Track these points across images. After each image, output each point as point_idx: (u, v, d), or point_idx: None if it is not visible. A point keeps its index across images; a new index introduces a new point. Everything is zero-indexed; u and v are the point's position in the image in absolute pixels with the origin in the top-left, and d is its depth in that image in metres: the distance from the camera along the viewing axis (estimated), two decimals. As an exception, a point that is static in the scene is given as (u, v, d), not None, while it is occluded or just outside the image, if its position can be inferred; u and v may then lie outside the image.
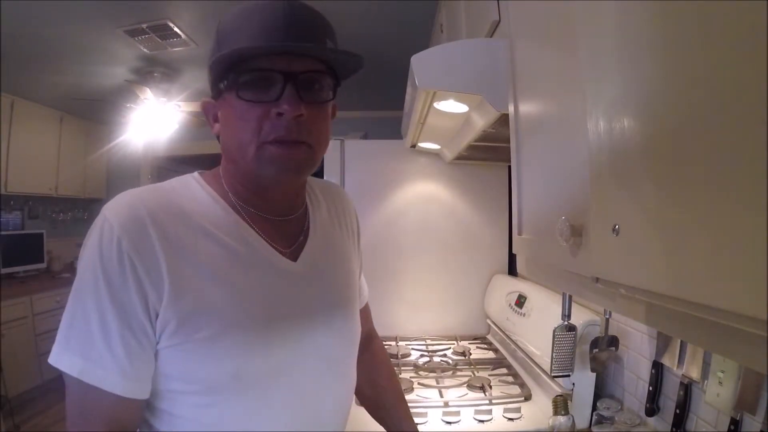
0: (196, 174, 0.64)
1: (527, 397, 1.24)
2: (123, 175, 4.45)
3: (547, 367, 1.14)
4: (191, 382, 0.53)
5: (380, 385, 0.85)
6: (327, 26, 0.60)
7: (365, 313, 0.87)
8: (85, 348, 0.50)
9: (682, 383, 0.86)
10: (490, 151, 1.49)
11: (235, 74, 0.54)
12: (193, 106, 3.15)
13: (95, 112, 3.86)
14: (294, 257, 0.62)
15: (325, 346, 0.62)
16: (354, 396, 0.72)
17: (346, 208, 0.79)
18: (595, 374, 1.13)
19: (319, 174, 2.13)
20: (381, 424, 0.85)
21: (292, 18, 0.54)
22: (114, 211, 0.53)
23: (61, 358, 0.51)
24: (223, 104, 0.59)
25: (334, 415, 0.65)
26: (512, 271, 1.93)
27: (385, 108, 3.93)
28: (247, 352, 0.54)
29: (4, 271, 3.34)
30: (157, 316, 0.52)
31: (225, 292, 0.54)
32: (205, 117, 0.64)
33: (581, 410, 1.13)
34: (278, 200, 0.63)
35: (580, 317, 1.14)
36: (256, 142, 0.55)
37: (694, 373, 0.84)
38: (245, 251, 0.58)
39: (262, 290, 0.58)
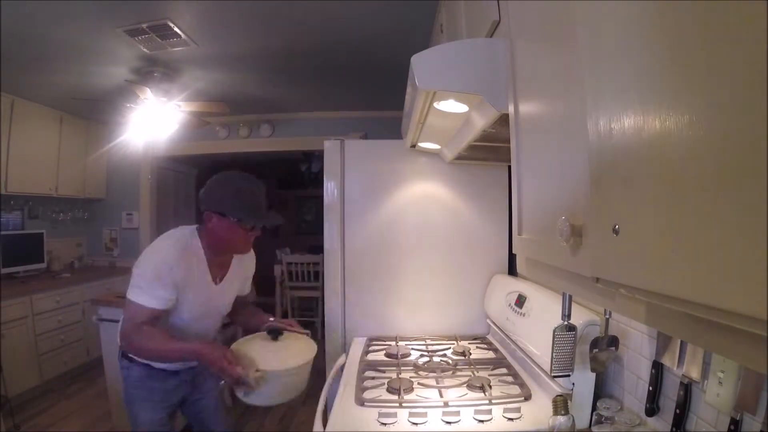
0: (194, 229, 1.45)
1: (527, 397, 1.24)
2: (123, 175, 4.45)
3: (547, 367, 1.15)
4: (174, 310, 1.38)
5: (245, 315, 1.68)
6: None
7: (249, 295, 1.71)
8: (152, 292, 1.31)
9: (682, 383, 0.86)
10: (490, 151, 1.49)
11: (242, 219, 1.37)
12: (193, 106, 3.15)
13: (95, 112, 3.86)
14: (218, 282, 1.48)
15: (216, 313, 1.53)
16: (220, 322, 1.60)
17: (248, 257, 1.60)
18: (595, 374, 1.13)
19: (320, 175, 2.12)
20: (252, 328, 1.58)
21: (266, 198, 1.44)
22: (170, 241, 1.39)
23: (138, 295, 1.30)
24: (223, 220, 1.37)
25: (213, 330, 1.58)
26: (512, 271, 1.93)
27: (385, 108, 3.93)
28: (190, 311, 1.41)
29: (4, 271, 3.34)
30: (176, 291, 1.35)
31: (189, 293, 1.38)
32: (205, 220, 1.40)
33: (581, 410, 1.13)
34: (226, 257, 1.51)
35: (580, 317, 1.14)
36: (237, 244, 1.44)
37: (694, 373, 0.84)
38: (201, 277, 1.42)
39: (201, 293, 1.43)
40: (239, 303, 1.67)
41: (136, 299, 1.29)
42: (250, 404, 1.32)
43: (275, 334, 1.39)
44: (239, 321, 1.73)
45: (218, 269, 1.46)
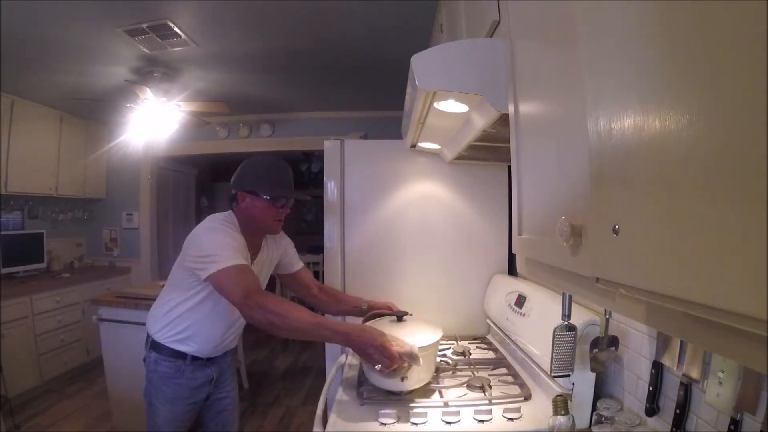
0: (230, 213, 1.48)
1: (527, 397, 1.24)
2: (123, 175, 4.45)
3: (547, 367, 1.14)
4: None
5: (332, 298, 1.74)
6: None
7: (306, 273, 1.76)
8: (231, 254, 1.29)
9: (682, 383, 0.86)
10: (490, 151, 1.49)
11: (273, 195, 1.44)
12: (193, 106, 3.15)
13: (95, 112, 3.86)
14: (253, 259, 1.48)
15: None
16: None
17: (279, 238, 1.65)
18: (595, 374, 1.13)
19: (320, 175, 2.12)
20: (341, 313, 1.74)
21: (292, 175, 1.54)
22: (216, 218, 1.42)
23: (223, 261, 1.26)
24: (256, 199, 1.44)
25: None
26: (512, 271, 1.93)
27: (385, 108, 3.93)
28: None
29: (4, 271, 3.34)
30: None
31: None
32: (238, 200, 1.46)
33: (581, 410, 1.13)
34: (258, 238, 1.53)
35: (580, 317, 1.14)
36: (269, 221, 1.46)
37: (694, 373, 0.84)
38: (244, 252, 1.38)
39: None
40: (307, 284, 1.71)
41: (227, 264, 1.25)
42: (401, 391, 1.25)
43: (400, 316, 1.42)
44: (323, 305, 1.71)
45: (252, 251, 1.47)
